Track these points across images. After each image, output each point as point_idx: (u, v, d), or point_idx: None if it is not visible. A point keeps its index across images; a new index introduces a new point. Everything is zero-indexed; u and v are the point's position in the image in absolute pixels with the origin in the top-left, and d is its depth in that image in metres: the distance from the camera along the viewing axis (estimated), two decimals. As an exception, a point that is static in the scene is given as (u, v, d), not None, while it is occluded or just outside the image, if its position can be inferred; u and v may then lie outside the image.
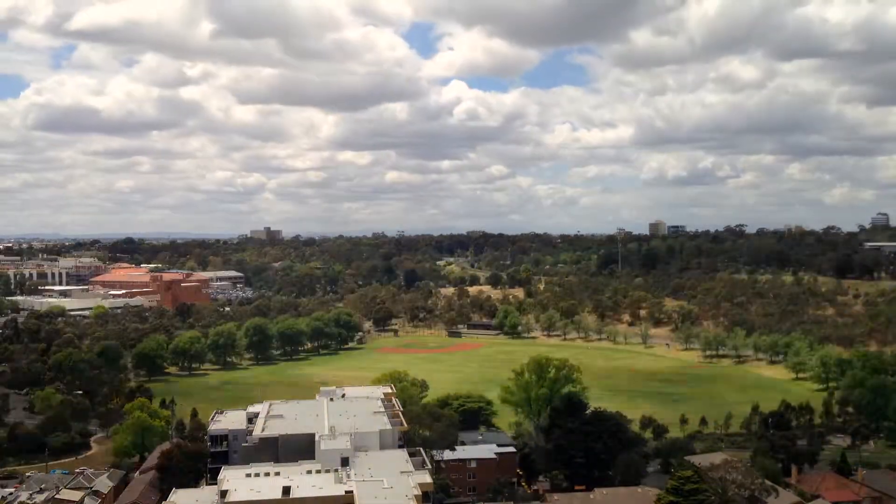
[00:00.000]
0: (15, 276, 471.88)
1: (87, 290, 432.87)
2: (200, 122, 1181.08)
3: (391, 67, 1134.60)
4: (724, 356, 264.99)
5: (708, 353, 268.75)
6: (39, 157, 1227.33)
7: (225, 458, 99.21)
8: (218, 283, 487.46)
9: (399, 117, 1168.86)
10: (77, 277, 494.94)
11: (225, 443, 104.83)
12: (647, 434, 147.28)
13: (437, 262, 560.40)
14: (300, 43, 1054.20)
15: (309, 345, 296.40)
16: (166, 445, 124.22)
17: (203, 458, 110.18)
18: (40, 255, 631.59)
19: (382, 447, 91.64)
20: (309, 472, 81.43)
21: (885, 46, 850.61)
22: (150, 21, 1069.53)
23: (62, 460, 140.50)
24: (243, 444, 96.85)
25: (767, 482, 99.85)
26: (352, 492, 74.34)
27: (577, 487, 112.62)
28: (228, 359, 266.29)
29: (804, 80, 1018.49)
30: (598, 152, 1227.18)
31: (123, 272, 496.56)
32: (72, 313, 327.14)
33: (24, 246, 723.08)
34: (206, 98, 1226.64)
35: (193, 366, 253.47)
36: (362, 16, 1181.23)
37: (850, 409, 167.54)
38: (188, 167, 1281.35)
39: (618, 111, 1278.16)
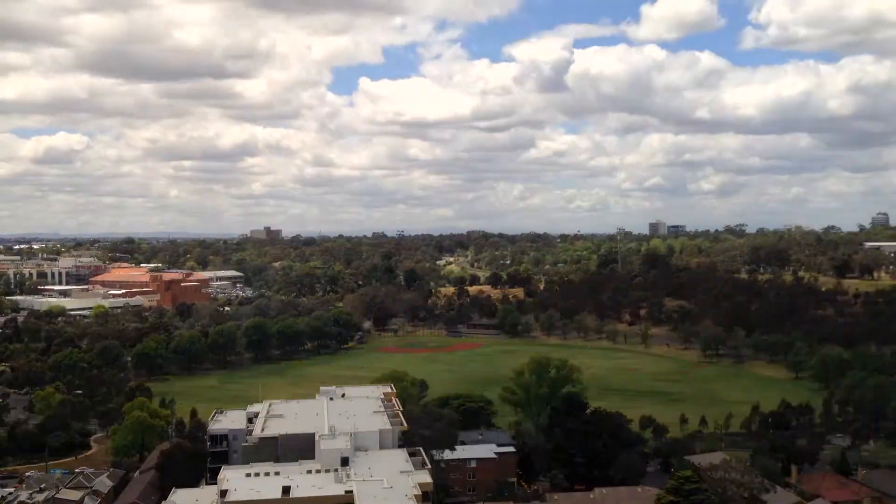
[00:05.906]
0: (15, 275, 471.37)
1: (87, 289, 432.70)
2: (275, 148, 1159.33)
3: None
4: (723, 356, 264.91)
5: (707, 352, 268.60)
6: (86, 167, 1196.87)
7: (225, 458, 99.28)
8: (218, 283, 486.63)
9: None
10: (77, 277, 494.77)
11: (225, 442, 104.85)
12: (647, 434, 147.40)
13: (437, 262, 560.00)
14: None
15: (309, 344, 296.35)
16: (166, 445, 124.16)
17: (203, 457, 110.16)
18: (40, 255, 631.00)
19: (382, 447, 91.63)
20: (309, 471, 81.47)
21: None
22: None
23: (62, 460, 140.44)
24: (243, 444, 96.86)
25: (767, 482, 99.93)
26: (352, 491, 74.35)
27: (577, 487, 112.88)
28: (228, 358, 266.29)
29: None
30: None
31: (123, 272, 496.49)
32: (72, 313, 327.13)
33: (24, 246, 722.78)
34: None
35: (193, 366, 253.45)
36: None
37: (850, 409, 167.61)
38: (230, 179, 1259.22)
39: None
